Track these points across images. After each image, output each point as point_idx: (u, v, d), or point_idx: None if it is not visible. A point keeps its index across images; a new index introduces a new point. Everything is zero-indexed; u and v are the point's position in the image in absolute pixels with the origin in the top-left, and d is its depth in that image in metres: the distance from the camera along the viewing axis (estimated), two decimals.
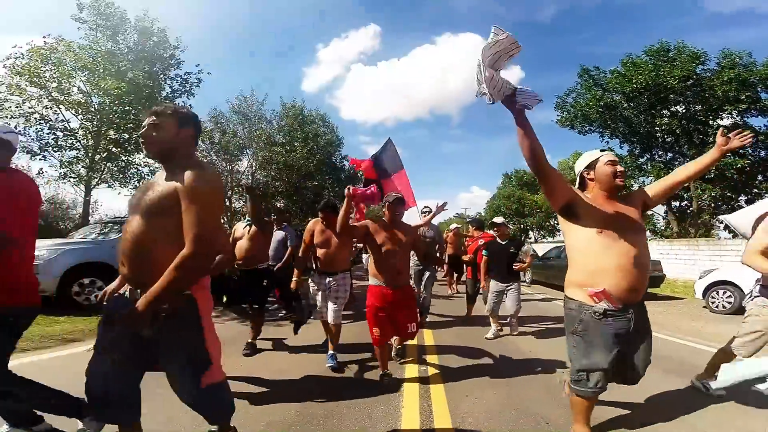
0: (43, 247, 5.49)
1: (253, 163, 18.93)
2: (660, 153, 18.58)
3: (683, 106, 16.77)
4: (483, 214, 48.52)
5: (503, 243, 4.63)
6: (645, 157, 18.85)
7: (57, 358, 3.40)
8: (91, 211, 12.51)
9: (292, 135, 19.17)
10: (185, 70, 11.92)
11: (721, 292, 6.66)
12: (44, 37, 9.54)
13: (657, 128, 17.37)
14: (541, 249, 19.94)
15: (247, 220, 3.70)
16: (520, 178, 42.39)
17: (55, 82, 9.53)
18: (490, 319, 4.65)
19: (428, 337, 4.53)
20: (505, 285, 4.57)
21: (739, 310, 6.23)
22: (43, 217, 13.32)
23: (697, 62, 15.66)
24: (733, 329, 4.96)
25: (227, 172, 18.37)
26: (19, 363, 3.04)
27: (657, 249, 14.21)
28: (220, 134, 17.43)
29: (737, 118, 15.85)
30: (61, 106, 9.87)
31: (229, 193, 18.71)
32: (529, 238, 40.14)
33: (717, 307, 6.62)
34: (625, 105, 17.43)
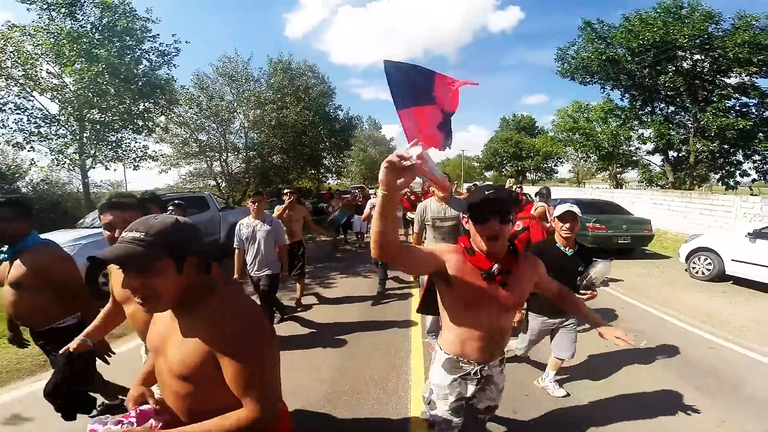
0: (65, 244, 5.79)
1: (245, 124, 18.57)
2: (662, 106, 18.41)
3: (690, 63, 16.24)
4: (480, 156, 48.22)
5: (569, 252, 2.72)
6: (646, 110, 18.69)
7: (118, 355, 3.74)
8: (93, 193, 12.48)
9: (283, 92, 18.62)
10: (160, 41, 11.21)
11: (702, 258, 7.07)
12: None
13: (660, 83, 17.05)
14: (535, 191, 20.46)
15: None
16: (518, 122, 41.99)
17: (19, 69, 9.13)
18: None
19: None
20: (559, 321, 2.91)
21: (717, 277, 6.73)
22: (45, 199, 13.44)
23: (710, 22, 14.94)
24: (705, 300, 5.57)
25: (220, 136, 18.10)
26: None
27: (650, 199, 14.60)
28: (208, 99, 16.88)
29: (746, 78, 15.43)
30: (33, 93, 9.54)
31: (225, 156, 18.64)
32: (526, 179, 40.71)
33: (697, 272, 7.05)
34: (629, 59, 16.93)
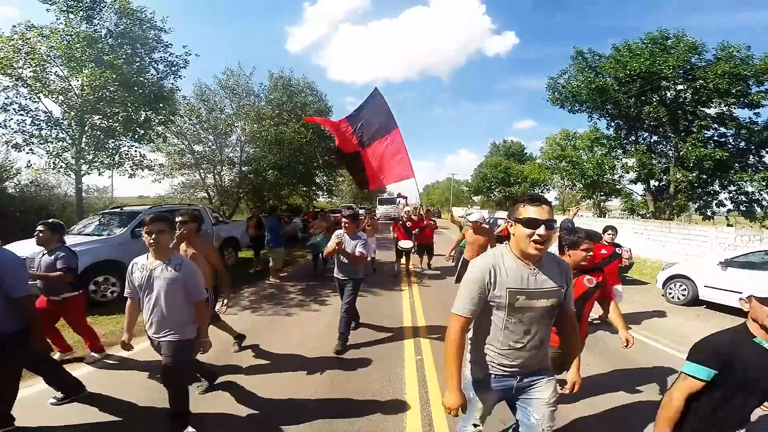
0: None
1: (242, 137, 18.78)
2: (645, 136, 19.22)
3: (673, 93, 17.08)
4: (470, 181, 48.93)
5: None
6: (630, 139, 19.47)
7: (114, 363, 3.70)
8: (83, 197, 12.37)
9: (281, 108, 18.95)
10: (171, 51, 11.47)
11: (678, 284, 7.42)
12: (13, 26, 9.15)
13: (644, 113, 17.83)
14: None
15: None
16: (508, 148, 43.10)
17: (30, 70, 9.22)
18: None
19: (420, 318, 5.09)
20: None
21: (691, 302, 7.09)
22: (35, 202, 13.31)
23: (694, 52, 15.78)
24: (678, 322, 5.82)
25: (216, 148, 18.24)
26: (80, 373, 3.59)
27: (632, 227, 15.15)
28: (207, 111, 17.12)
29: (724, 109, 16.25)
30: (40, 94, 9.60)
31: (220, 168, 18.68)
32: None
33: (673, 297, 7.40)
34: (617, 88, 17.71)
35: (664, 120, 17.38)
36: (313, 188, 26.23)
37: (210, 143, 18.14)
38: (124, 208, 8.13)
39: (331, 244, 4.34)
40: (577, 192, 30.00)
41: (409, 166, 6.01)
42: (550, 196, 42.46)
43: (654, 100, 17.39)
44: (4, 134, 9.73)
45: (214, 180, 18.77)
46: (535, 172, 32.14)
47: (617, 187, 21.72)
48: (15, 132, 9.64)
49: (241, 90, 18.49)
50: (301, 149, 19.53)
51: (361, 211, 11.77)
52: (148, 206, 7.88)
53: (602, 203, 28.79)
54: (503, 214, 25.67)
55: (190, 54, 11.77)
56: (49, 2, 9.49)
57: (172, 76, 11.70)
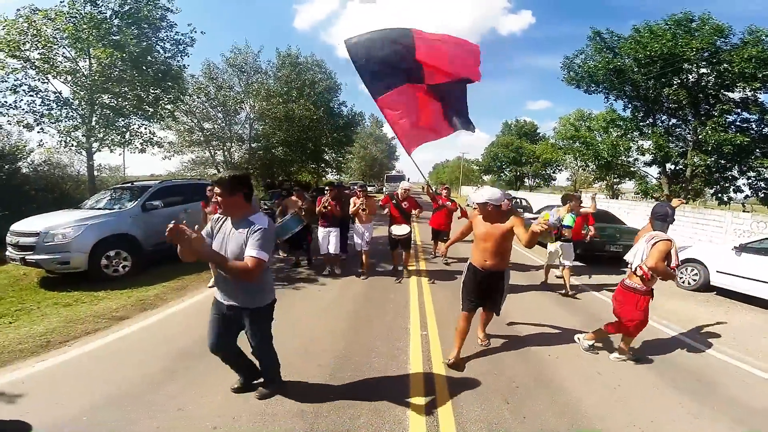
0: (69, 224, 5.87)
1: (251, 115, 18.73)
2: (663, 119, 18.65)
3: (695, 76, 16.38)
4: (480, 160, 48.44)
5: None
6: (647, 121, 18.92)
7: (122, 339, 3.85)
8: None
9: (290, 86, 18.79)
10: (177, 30, 11.38)
11: (689, 269, 7.30)
12: (18, 10, 9.09)
13: (664, 95, 17.25)
14: (535, 198, 20.61)
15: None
16: (521, 128, 42.25)
17: (37, 52, 9.24)
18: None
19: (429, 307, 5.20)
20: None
21: (702, 287, 6.97)
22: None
23: (720, 36, 14.99)
24: (688, 307, 5.78)
25: (225, 125, 18.22)
26: (96, 345, 3.71)
27: (645, 210, 14.85)
28: (216, 89, 17.01)
29: (749, 93, 15.53)
30: (48, 75, 9.64)
31: (229, 145, 18.77)
32: (524, 185, 41.08)
33: (683, 282, 7.26)
34: (636, 70, 17.09)
35: (684, 103, 16.76)
36: (322, 165, 26.30)
37: (219, 121, 18.15)
38: (134, 183, 8.20)
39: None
40: (590, 173, 29.52)
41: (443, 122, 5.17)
42: (562, 176, 41.91)
43: (674, 82, 16.74)
44: (15, 115, 9.85)
45: (224, 157, 18.85)
46: (547, 152, 31.62)
47: (632, 169, 21.30)
48: (26, 112, 9.79)
49: (249, 68, 18.35)
50: (310, 126, 19.50)
51: (371, 188, 11.47)
52: (159, 181, 7.93)
53: (615, 185, 28.31)
54: (514, 193, 25.52)
55: (196, 32, 11.67)
56: None
57: (179, 55, 11.62)
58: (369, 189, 29.28)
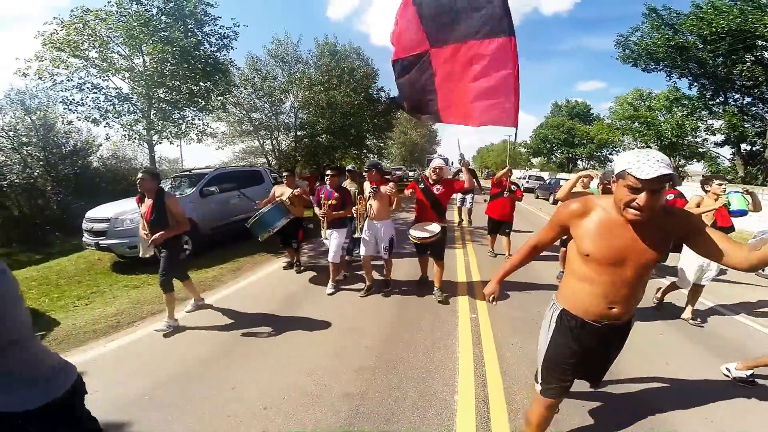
0: (136, 210, 6.22)
1: (295, 104, 19.22)
2: (736, 97, 16.98)
3: None
4: (528, 141, 46.60)
5: None
6: (717, 100, 17.29)
7: (182, 319, 3.92)
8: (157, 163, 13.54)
9: (330, 74, 19.05)
10: (221, 24, 11.81)
11: None
12: (71, 11, 9.75)
13: (735, 72, 15.67)
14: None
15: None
16: (572, 108, 39.91)
17: (94, 51, 9.92)
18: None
19: (478, 288, 5.03)
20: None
21: None
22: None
23: None
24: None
25: (272, 114, 18.85)
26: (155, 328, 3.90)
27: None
28: (261, 80, 17.57)
29: None
30: (107, 73, 10.37)
31: (276, 134, 19.50)
32: (577, 167, 39.11)
33: (764, 270, 6.60)
34: (701, 47, 15.68)
35: (760, 80, 15.23)
36: (364, 151, 26.62)
37: (266, 111, 18.79)
38: (192, 171, 8.71)
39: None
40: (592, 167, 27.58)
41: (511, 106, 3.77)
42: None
43: (748, 59, 15.16)
44: (83, 111, 10.71)
45: (272, 145, 19.59)
46: (603, 133, 29.74)
47: (700, 150, 19.62)
48: (92, 108, 10.64)
49: (290, 58, 18.79)
50: (351, 113, 19.73)
51: (412, 173, 10.97)
52: (213, 168, 8.38)
53: (681, 167, 26.16)
54: (566, 176, 24.27)
55: (239, 25, 12.02)
56: None
57: (225, 49, 12.08)
58: (396, 174, 28.87)
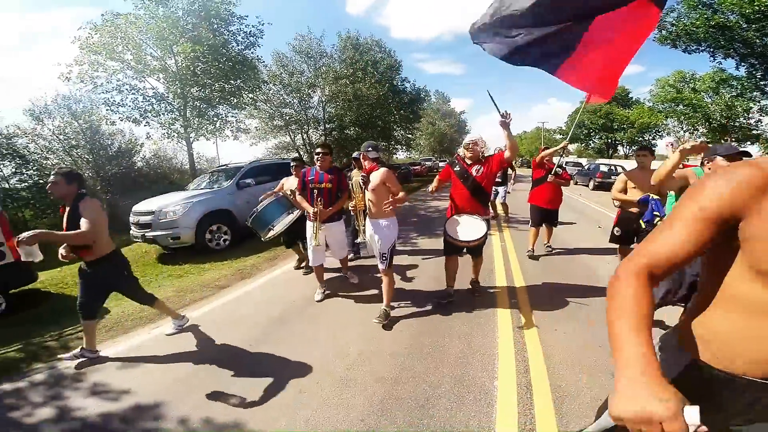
0: (177, 202, 6.62)
1: (322, 98, 19.48)
2: None
3: None
4: (563, 127, 44.94)
5: None
6: None
7: (223, 306, 4.07)
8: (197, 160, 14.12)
9: (355, 67, 19.16)
10: (246, 23, 12.03)
11: None
12: (102, 14, 10.16)
13: None
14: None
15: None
16: None
17: (129, 53, 10.33)
18: None
19: (516, 271, 4.90)
20: None
21: None
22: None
23: None
24: None
25: (301, 109, 19.19)
26: (201, 312, 4.07)
27: None
28: (288, 76, 17.86)
29: None
30: (143, 75, 10.80)
31: (306, 129, 19.90)
32: (617, 153, 37.44)
33: None
34: (745, 26, 14.56)
35: None
36: (392, 142, 26.66)
37: (295, 106, 19.14)
38: (228, 165, 9.00)
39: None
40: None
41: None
42: (663, 143, 37.24)
43: None
44: (124, 112, 11.27)
45: (303, 140, 19.99)
46: (645, 117, 28.23)
47: (754, 132, 18.33)
48: (132, 109, 11.17)
49: (315, 53, 19.06)
50: (377, 105, 19.84)
51: (442, 162, 9.78)
52: (248, 162, 8.63)
53: None
54: (604, 161, 23.23)
55: (263, 24, 12.21)
56: None
57: (252, 47, 12.31)
58: (425, 165, 28.06)
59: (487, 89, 3.48)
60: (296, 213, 4.37)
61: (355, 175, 4.50)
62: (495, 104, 3.21)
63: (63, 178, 2.92)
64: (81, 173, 3.26)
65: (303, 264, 5.29)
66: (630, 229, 4.03)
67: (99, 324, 3.84)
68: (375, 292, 4.29)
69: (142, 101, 11.18)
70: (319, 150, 3.96)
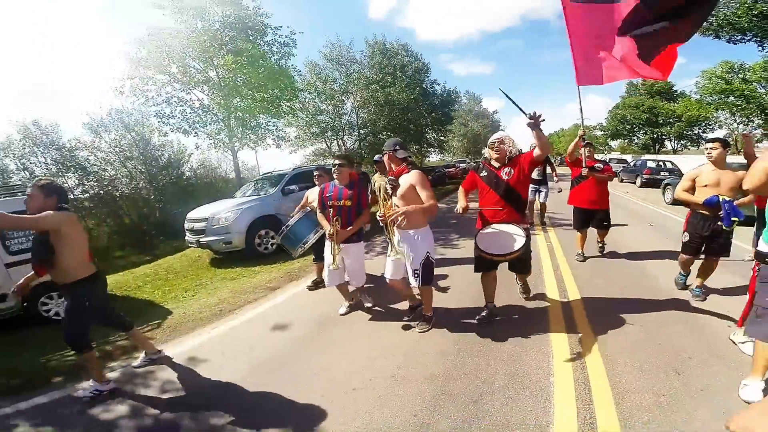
0: (229, 209, 7.00)
1: (355, 104, 19.87)
2: None
3: None
4: (604, 124, 43.15)
5: None
6: None
7: (275, 307, 4.19)
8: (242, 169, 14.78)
9: (384, 71, 19.46)
10: (279, 33, 12.42)
11: None
12: (146, 28, 10.69)
13: None
14: (684, 161, 17.15)
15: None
16: (651, 86, 36.23)
17: (174, 66, 10.84)
18: None
19: (566, 273, 4.74)
20: None
21: None
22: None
23: None
24: None
25: (335, 116, 19.67)
26: (256, 313, 4.29)
27: None
28: (321, 83, 18.36)
29: None
30: (189, 86, 11.35)
31: (341, 135, 20.37)
32: (664, 148, 35.57)
33: None
34: None
35: None
36: (425, 145, 26.70)
37: (329, 113, 19.65)
38: (273, 172, 9.38)
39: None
40: (755, 129, 24.25)
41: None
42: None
43: None
44: (174, 123, 11.92)
45: (338, 146, 20.49)
46: (693, 110, 26.68)
47: None
48: (181, 120, 11.80)
49: (345, 60, 19.55)
50: (408, 108, 20.04)
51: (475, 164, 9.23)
52: (291, 168, 8.98)
53: None
54: (652, 157, 21.97)
55: (295, 33, 12.62)
56: (161, 7, 10.63)
57: (286, 56, 12.72)
58: (460, 167, 27.56)
59: (499, 87, 3.24)
60: (318, 229, 4.18)
61: (378, 179, 4.26)
62: (513, 102, 2.77)
63: (40, 190, 2.55)
64: (62, 186, 2.81)
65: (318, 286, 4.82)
66: (700, 234, 3.58)
67: (163, 324, 4.15)
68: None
69: (190, 112, 11.78)
70: (336, 162, 3.51)
